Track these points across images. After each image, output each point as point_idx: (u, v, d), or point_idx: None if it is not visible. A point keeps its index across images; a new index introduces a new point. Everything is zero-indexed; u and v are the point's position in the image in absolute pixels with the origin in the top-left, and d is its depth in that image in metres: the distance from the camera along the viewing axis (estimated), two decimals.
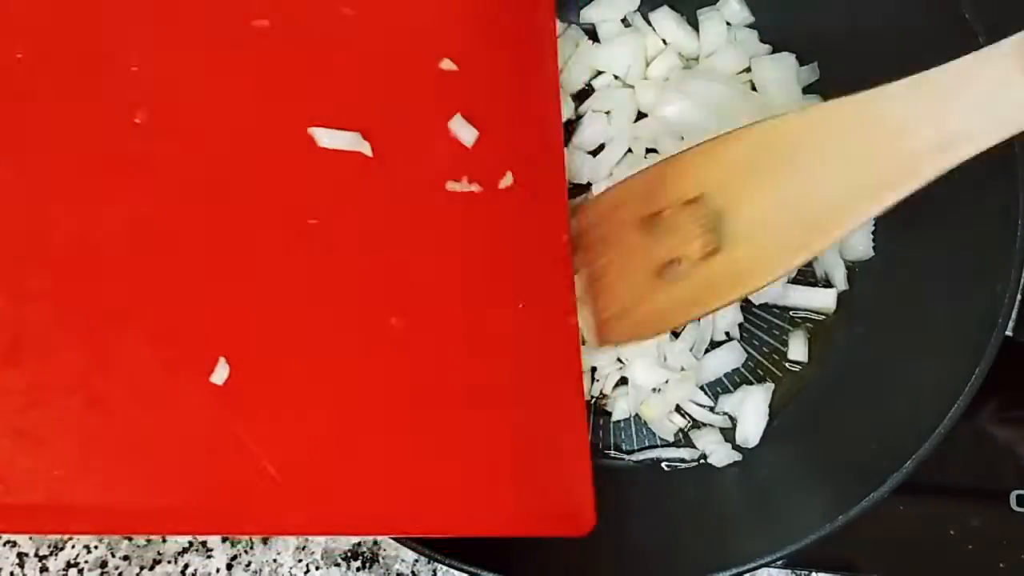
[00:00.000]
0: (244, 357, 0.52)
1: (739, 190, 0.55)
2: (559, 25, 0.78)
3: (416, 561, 0.73)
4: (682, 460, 0.70)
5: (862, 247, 0.71)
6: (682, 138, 0.70)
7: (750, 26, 0.75)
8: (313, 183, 0.57)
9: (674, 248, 0.58)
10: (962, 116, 0.46)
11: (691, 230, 0.56)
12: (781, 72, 0.72)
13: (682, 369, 0.70)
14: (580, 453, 0.59)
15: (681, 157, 0.58)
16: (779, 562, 0.63)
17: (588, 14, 0.77)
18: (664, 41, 0.75)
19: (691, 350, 0.70)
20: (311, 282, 0.55)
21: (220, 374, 0.52)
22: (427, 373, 0.57)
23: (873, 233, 0.71)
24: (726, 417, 0.70)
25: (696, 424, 0.71)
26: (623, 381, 0.71)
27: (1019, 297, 0.59)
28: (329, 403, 0.54)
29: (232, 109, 0.56)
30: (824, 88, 0.73)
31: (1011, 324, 0.59)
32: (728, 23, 0.74)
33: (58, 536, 0.76)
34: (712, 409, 0.71)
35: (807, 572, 0.71)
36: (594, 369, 0.71)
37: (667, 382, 0.70)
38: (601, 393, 0.71)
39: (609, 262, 0.63)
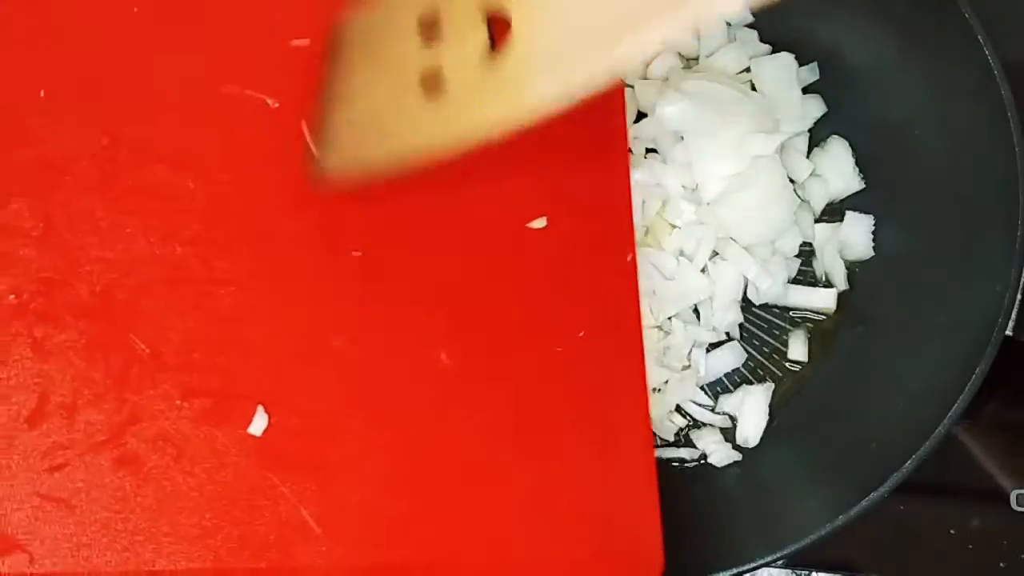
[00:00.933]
0: (283, 404, 0.50)
1: None
2: None
3: None
4: (682, 460, 0.70)
5: (862, 247, 0.71)
6: (682, 138, 0.70)
7: (750, 26, 0.75)
8: (357, 211, 0.53)
9: (447, 52, 0.48)
10: None
11: (469, 23, 0.47)
12: (780, 72, 0.72)
13: (683, 369, 0.70)
14: (648, 494, 0.53)
15: None
16: (779, 562, 0.63)
17: None
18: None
19: (691, 350, 0.70)
20: (354, 318, 0.52)
21: (258, 424, 0.49)
22: (480, 413, 0.52)
23: (873, 233, 0.71)
24: (726, 417, 0.70)
25: (696, 424, 0.71)
26: None
27: (1019, 297, 0.59)
28: (375, 450, 0.50)
29: (261, 132, 0.53)
30: (824, 88, 0.73)
31: (1011, 324, 0.59)
32: (728, 23, 0.75)
33: None
34: (712, 409, 0.71)
35: (807, 572, 0.71)
36: None
37: (667, 382, 0.70)
38: None
39: (368, 71, 0.53)
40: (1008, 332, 0.59)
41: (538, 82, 0.44)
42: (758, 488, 0.67)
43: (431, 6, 0.49)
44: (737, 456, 0.69)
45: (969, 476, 0.71)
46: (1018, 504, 0.69)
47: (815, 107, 0.73)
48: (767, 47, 0.74)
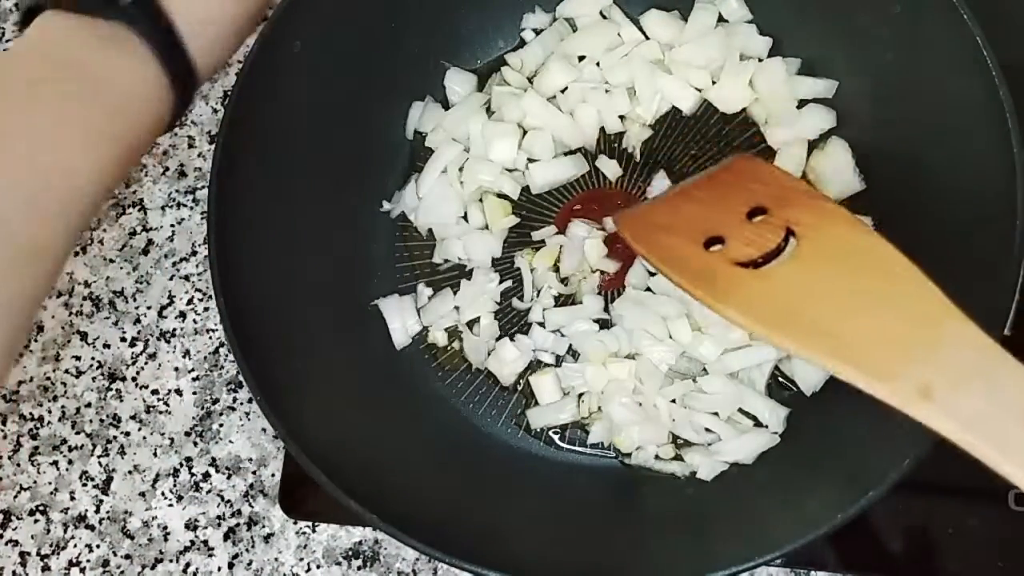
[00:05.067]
0: None
1: (817, 234, 0.56)
2: (545, 17, 0.78)
3: (417, 560, 0.73)
4: (673, 475, 0.69)
5: None
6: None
7: (749, 22, 0.75)
8: None
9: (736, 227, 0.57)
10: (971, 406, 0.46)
11: (763, 231, 0.57)
12: (779, 77, 0.72)
13: (654, 407, 0.69)
14: None
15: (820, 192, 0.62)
16: (777, 561, 0.63)
17: (564, 9, 0.77)
18: (645, 35, 0.76)
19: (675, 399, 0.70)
20: None
21: None
22: None
23: None
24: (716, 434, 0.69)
25: (686, 443, 0.70)
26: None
27: (1016, 297, 0.59)
28: None
29: None
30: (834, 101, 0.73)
31: (1008, 324, 0.59)
32: (725, 19, 0.75)
33: (60, 535, 0.77)
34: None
35: (806, 571, 0.71)
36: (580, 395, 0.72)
37: (642, 421, 0.69)
38: (588, 412, 0.71)
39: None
40: (1006, 332, 0.59)
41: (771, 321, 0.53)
42: (757, 487, 0.67)
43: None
44: (724, 466, 0.68)
45: (967, 475, 0.71)
46: (1016, 503, 0.69)
47: (825, 119, 0.73)
48: (767, 40, 0.74)
